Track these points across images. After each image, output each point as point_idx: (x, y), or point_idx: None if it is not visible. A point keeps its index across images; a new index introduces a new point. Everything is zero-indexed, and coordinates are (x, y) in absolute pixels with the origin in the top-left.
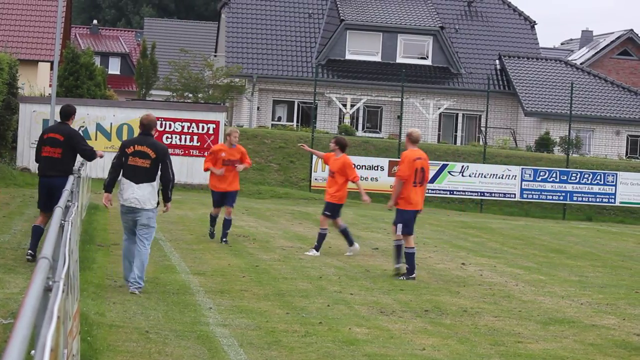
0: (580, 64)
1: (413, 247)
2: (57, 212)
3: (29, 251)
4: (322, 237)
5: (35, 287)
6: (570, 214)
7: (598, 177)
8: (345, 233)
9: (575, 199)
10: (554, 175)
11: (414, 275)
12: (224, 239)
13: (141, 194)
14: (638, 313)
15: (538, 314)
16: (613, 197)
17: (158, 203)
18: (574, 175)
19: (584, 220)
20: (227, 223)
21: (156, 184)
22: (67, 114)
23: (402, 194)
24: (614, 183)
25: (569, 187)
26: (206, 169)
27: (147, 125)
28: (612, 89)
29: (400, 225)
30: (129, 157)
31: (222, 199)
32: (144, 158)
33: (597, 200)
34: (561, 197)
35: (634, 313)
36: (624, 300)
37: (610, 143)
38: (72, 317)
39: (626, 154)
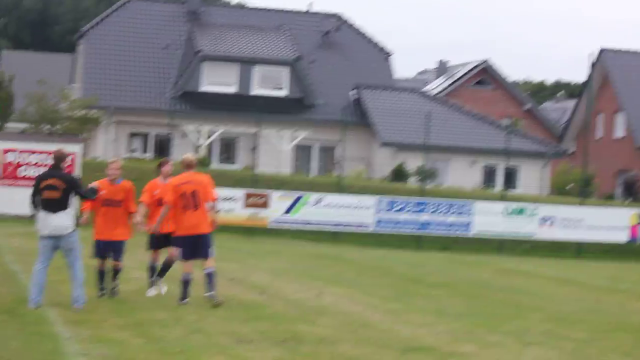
0: (437, 94)
1: (207, 268)
2: None
3: None
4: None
5: None
6: (426, 244)
7: (454, 207)
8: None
9: (431, 229)
10: (409, 205)
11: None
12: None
13: (59, 222)
14: (496, 340)
15: (396, 343)
16: (468, 227)
17: (77, 225)
18: (429, 205)
19: (440, 250)
20: (115, 275)
21: (70, 210)
22: None
23: (175, 220)
24: (470, 213)
25: (424, 217)
26: (83, 210)
27: (57, 158)
28: (468, 118)
29: (178, 250)
30: (44, 192)
31: (106, 248)
32: (54, 190)
33: (453, 230)
34: (417, 228)
35: (492, 340)
36: (483, 327)
37: (466, 173)
38: None
39: (482, 184)
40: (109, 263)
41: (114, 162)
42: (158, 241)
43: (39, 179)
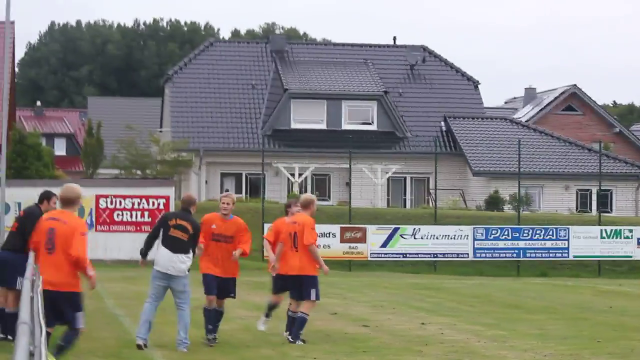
0: (526, 121)
1: (295, 312)
2: (26, 284)
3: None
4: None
5: (21, 351)
6: (524, 271)
7: (550, 233)
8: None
9: (528, 255)
10: (506, 232)
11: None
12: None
13: (178, 262)
14: None
15: None
16: (566, 251)
17: (189, 270)
18: (525, 231)
19: (538, 276)
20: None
21: (191, 256)
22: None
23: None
24: (567, 237)
25: (521, 244)
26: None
27: (186, 202)
28: (559, 144)
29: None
30: (170, 229)
31: (217, 285)
32: (183, 231)
33: (551, 255)
34: (514, 255)
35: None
36: (587, 350)
37: (560, 198)
38: None
39: (576, 208)
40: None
41: (226, 196)
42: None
43: (167, 216)
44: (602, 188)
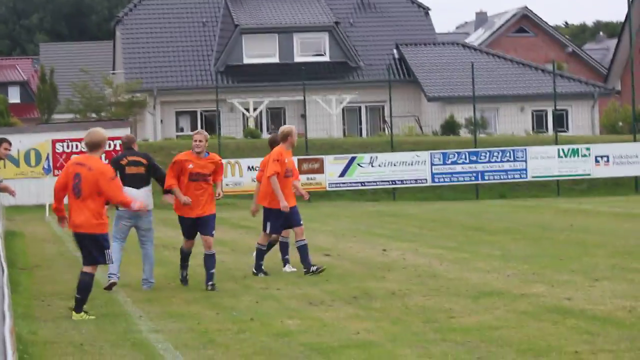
0: (478, 45)
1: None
2: None
3: None
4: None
5: None
6: (483, 193)
7: (508, 154)
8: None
9: (486, 177)
10: (463, 156)
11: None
12: (210, 283)
13: (144, 198)
14: (565, 279)
15: (466, 290)
16: (525, 172)
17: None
18: (483, 154)
19: (497, 198)
20: (209, 260)
21: (150, 187)
22: None
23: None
24: (524, 159)
25: (479, 167)
26: (168, 187)
27: (128, 142)
28: (512, 66)
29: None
30: (125, 168)
31: (195, 227)
32: (138, 166)
33: (509, 177)
34: (473, 178)
35: (561, 279)
36: (550, 268)
37: (515, 120)
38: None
39: (533, 129)
40: (203, 242)
41: (199, 133)
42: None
43: (116, 159)
44: (557, 108)
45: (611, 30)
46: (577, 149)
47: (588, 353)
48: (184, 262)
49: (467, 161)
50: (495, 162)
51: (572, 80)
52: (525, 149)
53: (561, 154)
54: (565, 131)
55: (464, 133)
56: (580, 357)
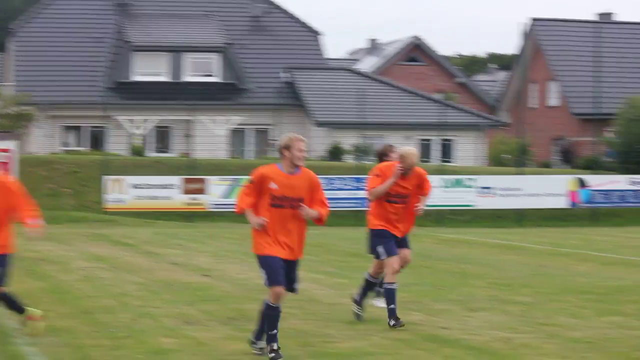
0: (369, 72)
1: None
2: None
3: None
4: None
5: None
6: (364, 220)
7: None
8: None
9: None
10: (347, 182)
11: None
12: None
13: None
14: (443, 308)
15: (343, 316)
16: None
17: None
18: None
19: None
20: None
21: None
22: None
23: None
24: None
25: (362, 194)
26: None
27: None
28: (401, 94)
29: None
30: None
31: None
32: None
33: None
34: (356, 204)
35: (439, 308)
36: (429, 297)
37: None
38: None
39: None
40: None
41: (300, 140)
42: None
43: None
44: (444, 138)
45: (503, 62)
46: (461, 180)
47: None
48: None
49: (351, 187)
50: None
51: (460, 111)
52: None
53: (445, 183)
54: (450, 161)
55: (350, 159)
56: None
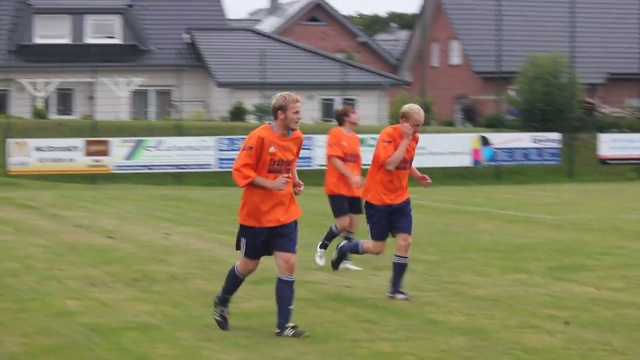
0: (270, 32)
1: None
2: None
3: None
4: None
5: None
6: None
7: None
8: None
9: None
10: None
11: None
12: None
13: None
14: (346, 267)
15: (247, 275)
16: (310, 160)
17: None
18: None
19: None
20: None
21: None
22: None
23: None
24: (311, 147)
25: None
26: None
27: None
28: (303, 54)
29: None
30: None
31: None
32: None
33: (296, 164)
34: None
35: (342, 267)
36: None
37: (304, 108)
38: None
39: (321, 118)
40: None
41: (296, 101)
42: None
43: None
44: (346, 97)
45: (404, 21)
46: (364, 139)
47: (367, 341)
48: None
49: None
50: None
51: (362, 70)
52: (313, 137)
53: None
54: None
55: (252, 119)
56: (359, 345)
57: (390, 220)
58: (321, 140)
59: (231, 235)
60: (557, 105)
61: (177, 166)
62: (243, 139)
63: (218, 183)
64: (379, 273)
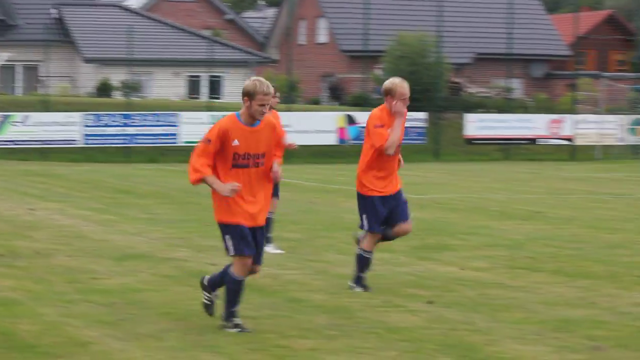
0: (137, 8)
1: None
2: None
3: None
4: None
5: None
6: (134, 157)
7: (160, 119)
8: None
9: (138, 141)
10: (115, 119)
11: None
12: None
13: None
14: (210, 245)
15: (111, 251)
16: (175, 137)
17: None
18: (135, 118)
19: (148, 162)
20: None
21: None
22: None
23: None
24: (177, 123)
25: (131, 130)
26: None
27: None
28: (170, 30)
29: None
30: None
31: None
32: None
33: (161, 141)
34: (124, 141)
35: (206, 245)
36: (196, 233)
37: (170, 84)
38: None
39: (187, 95)
40: None
41: (265, 93)
42: None
43: None
44: (212, 74)
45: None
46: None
47: None
48: None
49: (120, 124)
50: (147, 125)
51: (229, 47)
52: (178, 114)
53: (213, 120)
54: (219, 98)
55: (118, 95)
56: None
57: (385, 210)
58: (187, 116)
59: (95, 211)
60: (423, 85)
61: (43, 141)
62: (108, 115)
63: (83, 159)
64: None
